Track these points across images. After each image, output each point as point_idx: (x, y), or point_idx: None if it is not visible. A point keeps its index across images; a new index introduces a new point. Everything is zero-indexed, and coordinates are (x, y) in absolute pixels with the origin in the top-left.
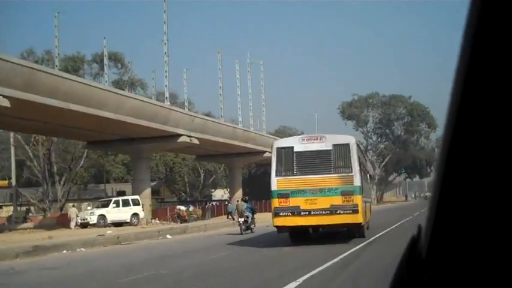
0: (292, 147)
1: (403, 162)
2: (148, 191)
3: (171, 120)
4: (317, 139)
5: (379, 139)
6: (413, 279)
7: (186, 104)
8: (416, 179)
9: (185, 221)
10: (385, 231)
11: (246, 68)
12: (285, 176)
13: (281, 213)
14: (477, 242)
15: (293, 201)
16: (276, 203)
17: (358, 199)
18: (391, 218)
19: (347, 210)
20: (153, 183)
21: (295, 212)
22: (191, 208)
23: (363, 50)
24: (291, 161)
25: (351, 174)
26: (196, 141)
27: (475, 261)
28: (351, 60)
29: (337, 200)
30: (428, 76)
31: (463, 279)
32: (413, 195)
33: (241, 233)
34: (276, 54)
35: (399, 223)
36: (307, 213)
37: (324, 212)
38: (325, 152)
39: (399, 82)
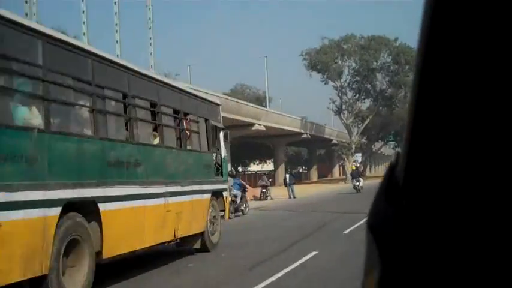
0: None
1: (390, 127)
2: None
3: None
4: None
5: (356, 96)
6: (391, 205)
7: None
8: None
9: None
10: None
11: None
12: None
13: None
14: (454, 166)
15: None
16: None
17: None
18: (348, 208)
19: None
20: None
21: None
22: None
23: None
24: None
25: None
26: None
27: (452, 184)
28: None
29: None
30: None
31: (440, 202)
32: None
33: (229, 217)
34: None
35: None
36: None
37: None
38: None
39: (382, 21)
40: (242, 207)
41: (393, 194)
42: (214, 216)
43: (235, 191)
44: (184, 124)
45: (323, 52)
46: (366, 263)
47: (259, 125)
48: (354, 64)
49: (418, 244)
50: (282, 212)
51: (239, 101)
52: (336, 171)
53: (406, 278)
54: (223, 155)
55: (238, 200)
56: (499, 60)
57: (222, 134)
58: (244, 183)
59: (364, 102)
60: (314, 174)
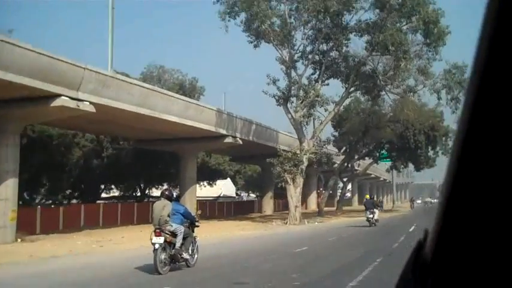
0: None
1: (376, 133)
2: None
3: None
4: None
5: (315, 74)
6: (417, 282)
7: None
8: (411, 171)
9: None
10: None
11: None
12: None
13: None
14: (483, 247)
15: None
16: None
17: None
18: None
19: None
20: None
21: None
22: None
23: None
24: None
25: None
26: None
27: (480, 266)
28: None
29: None
30: None
31: (466, 283)
32: (419, 201)
33: (159, 272)
34: None
35: None
36: None
37: None
38: None
39: None
40: (185, 255)
41: (420, 271)
42: None
43: (174, 226)
44: None
45: None
46: None
47: (76, 100)
48: (313, 19)
49: None
50: None
51: None
52: (313, 200)
53: None
54: None
55: (178, 242)
56: None
57: None
58: (190, 213)
59: (327, 84)
60: (269, 204)
